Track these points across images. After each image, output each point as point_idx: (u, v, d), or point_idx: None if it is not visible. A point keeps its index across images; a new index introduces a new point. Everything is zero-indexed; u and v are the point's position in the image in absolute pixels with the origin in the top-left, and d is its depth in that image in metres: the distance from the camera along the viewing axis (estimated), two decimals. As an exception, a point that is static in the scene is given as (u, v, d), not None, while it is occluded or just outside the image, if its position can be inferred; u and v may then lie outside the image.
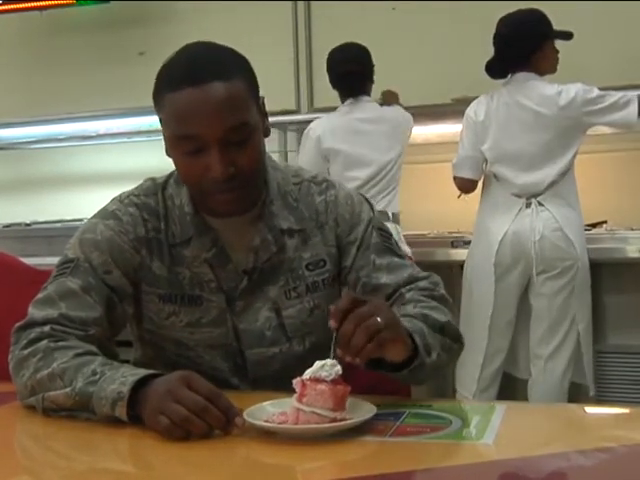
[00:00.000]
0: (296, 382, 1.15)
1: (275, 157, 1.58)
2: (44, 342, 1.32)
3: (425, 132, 4.10)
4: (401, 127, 3.56)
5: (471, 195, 3.33)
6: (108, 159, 4.90)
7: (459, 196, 3.34)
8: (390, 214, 3.46)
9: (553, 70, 3.23)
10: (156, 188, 1.49)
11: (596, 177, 3.82)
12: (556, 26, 3.16)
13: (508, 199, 3.16)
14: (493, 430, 1.15)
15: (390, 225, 3.33)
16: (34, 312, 1.38)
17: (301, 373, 1.16)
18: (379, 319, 1.17)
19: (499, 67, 3.24)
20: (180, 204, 1.46)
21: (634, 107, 3.07)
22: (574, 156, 3.15)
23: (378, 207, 3.35)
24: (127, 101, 4.25)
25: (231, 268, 1.45)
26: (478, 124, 3.23)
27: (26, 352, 1.33)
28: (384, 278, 1.47)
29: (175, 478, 1.07)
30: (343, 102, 3.59)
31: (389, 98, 3.72)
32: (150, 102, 1.38)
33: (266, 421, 1.15)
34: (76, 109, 4.62)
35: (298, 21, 4.55)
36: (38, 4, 4.70)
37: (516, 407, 1.48)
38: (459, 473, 1.04)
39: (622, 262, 3.33)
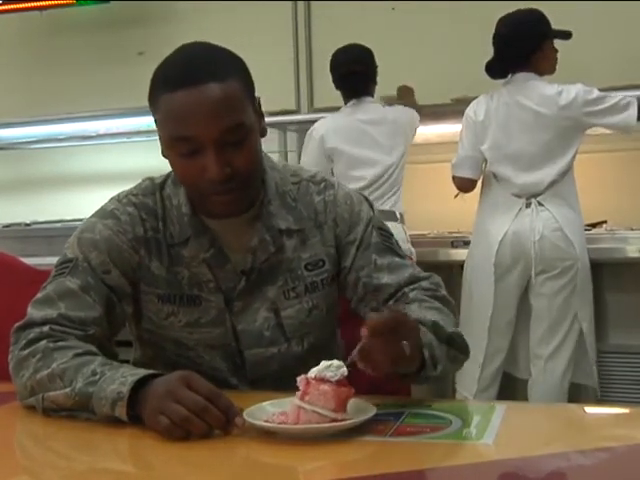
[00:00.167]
0: (300, 379, 1.15)
1: (275, 157, 1.57)
2: (43, 342, 1.32)
3: (425, 132, 4.09)
4: (403, 127, 3.56)
5: (469, 195, 3.33)
6: (108, 159, 4.90)
7: (456, 196, 3.34)
8: (398, 214, 3.47)
9: (552, 70, 3.23)
10: (154, 188, 1.49)
11: (596, 177, 3.82)
12: (556, 26, 3.17)
13: (508, 199, 3.16)
14: (493, 430, 1.15)
15: (397, 225, 3.35)
16: (33, 312, 1.38)
17: (299, 373, 1.16)
18: (407, 349, 1.18)
19: (499, 67, 3.24)
20: (178, 204, 1.45)
21: (634, 110, 3.07)
22: (574, 156, 3.15)
23: (385, 207, 3.38)
24: (127, 101, 4.24)
25: (229, 268, 1.45)
26: (478, 124, 3.23)
27: (25, 352, 1.33)
28: (385, 278, 1.47)
29: (175, 478, 1.07)
30: (346, 103, 3.59)
31: (405, 93, 3.73)
32: (150, 102, 1.38)
33: (266, 421, 1.15)
34: (76, 109, 4.62)
35: (298, 21, 4.55)
36: (38, 4, 4.71)
37: (516, 407, 1.48)
38: (459, 473, 1.04)
39: (622, 262, 3.33)
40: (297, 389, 1.15)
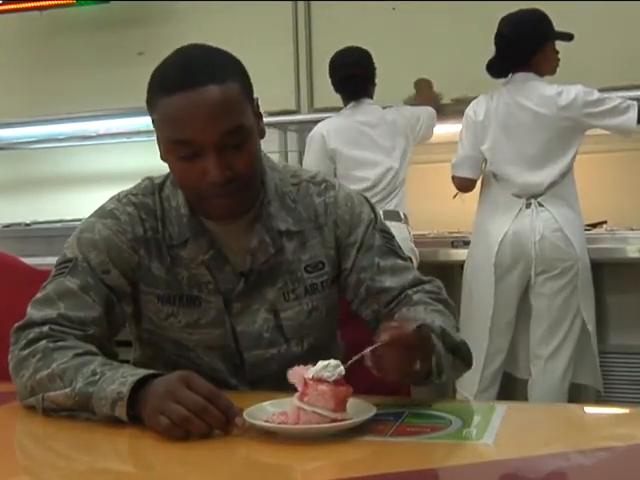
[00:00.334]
0: (298, 378, 1.15)
1: (275, 157, 1.57)
2: (43, 342, 1.32)
3: (425, 132, 4.08)
4: (403, 128, 3.56)
5: (469, 194, 3.33)
6: (108, 159, 4.90)
7: (455, 196, 3.34)
8: (402, 214, 3.47)
9: (553, 71, 3.23)
10: (154, 188, 1.49)
11: (596, 177, 3.82)
12: (556, 26, 3.16)
13: (508, 199, 3.15)
14: (493, 430, 1.15)
15: (401, 225, 3.35)
16: (33, 312, 1.38)
17: (299, 374, 1.16)
18: (418, 366, 1.18)
19: (500, 66, 3.24)
20: (177, 206, 1.45)
21: (634, 113, 3.06)
22: (574, 157, 3.15)
23: (389, 207, 3.38)
24: (127, 101, 4.23)
25: (228, 270, 1.44)
26: (478, 124, 3.23)
27: (25, 352, 1.32)
28: (388, 281, 1.47)
29: (175, 478, 1.07)
30: (345, 105, 3.60)
31: (422, 87, 3.73)
32: (150, 102, 1.38)
33: (266, 421, 1.15)
34: (76, 109, 4.62)
35: (298, 21, 4.55)
36: (38, 4, 4.70)
37: (516, 407, 1.48)
38: (459, 473, 1.04)
39: (622, 262, 3.33)
40: (294, 389, 1.15)
